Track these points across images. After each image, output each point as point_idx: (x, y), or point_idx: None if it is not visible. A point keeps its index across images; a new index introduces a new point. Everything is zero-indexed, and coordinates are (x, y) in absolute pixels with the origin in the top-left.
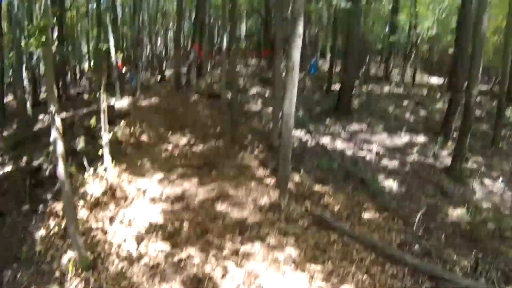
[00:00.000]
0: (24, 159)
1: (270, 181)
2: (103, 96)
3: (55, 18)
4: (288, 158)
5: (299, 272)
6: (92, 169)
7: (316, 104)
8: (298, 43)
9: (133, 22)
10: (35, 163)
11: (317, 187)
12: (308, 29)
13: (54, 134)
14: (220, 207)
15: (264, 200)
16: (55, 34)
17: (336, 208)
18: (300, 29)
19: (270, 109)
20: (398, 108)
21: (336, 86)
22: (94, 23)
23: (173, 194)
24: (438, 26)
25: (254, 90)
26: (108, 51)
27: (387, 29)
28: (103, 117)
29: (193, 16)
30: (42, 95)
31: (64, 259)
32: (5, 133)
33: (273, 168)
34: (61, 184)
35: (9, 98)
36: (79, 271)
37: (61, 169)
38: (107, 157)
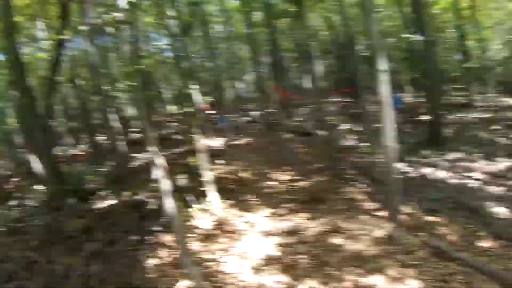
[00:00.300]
0: (127, 193)
1: (381, 214)
2: (202, 136)
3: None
4: (395, 190)
5: None
6: (198, 204)
7: (408, 136)
8: (384, 78)
9: (212, 67)
10: (139, 197)
11: (429, 218)
12: None
13: (158, 173)
14: (335, 240)
15: (379, 233)
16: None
17: (450, 238)
18: (383, 64)
19: (364, 143)
20: (490, 133)
21: (423, 117)
22: (173, 69)
23: (285, 228)
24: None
25: (344, 126)
26: (192, 95)
27: (458, 56)
28: (205, 155)
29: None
30: (133, 135)
31: (179, 287)
32: (102, 169)
33: (381, 201)
34: (171, 218)
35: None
36: None
37: (169, 205)
38: (213, 193)
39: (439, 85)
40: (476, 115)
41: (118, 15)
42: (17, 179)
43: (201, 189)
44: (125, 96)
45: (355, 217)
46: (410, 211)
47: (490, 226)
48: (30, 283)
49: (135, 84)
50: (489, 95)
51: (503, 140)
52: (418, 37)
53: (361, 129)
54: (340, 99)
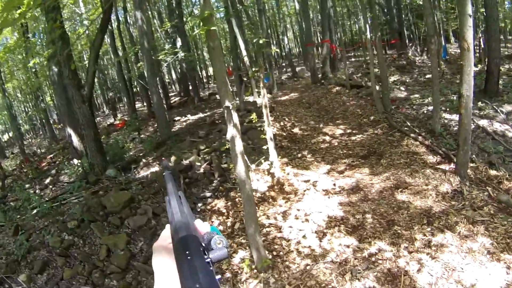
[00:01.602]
0: (172, 158)
1: (445, 167)
2: (264, 91)
3: (177, 28)
4: (468, 141)
5: (495, 263)
6: (253, 165)
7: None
8: (469, 23)
9: (260, 23)
10: (185, 161)
11: (493, 172)
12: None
13: (231, 131)
14: (401, 196)
15: (445, 187)
16: (179, 43)
17: None
18: (469, 7)
19: (416, 95)
20: None
21: (475, 68)
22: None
23: (347, 186)
24: None
25: (393, 78)
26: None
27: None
28: (266, 111)
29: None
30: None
31: (235, 259)
32: (142, 136)
33: (443, 153)
34: (241, 183)
35: (136, 105)
36: (255, 271)
37: (240, 168)
38: (273, 151)
39: (498, 33)
40: None
41: None
42: (52, 155)
43: (253, 147)
44: (169, 59)
45: (419, 171)
46: (473, 164)
47: None
48: (66, 271)
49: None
50: None
51: None
52: None
53: (411, 80)
54: (385, 51)
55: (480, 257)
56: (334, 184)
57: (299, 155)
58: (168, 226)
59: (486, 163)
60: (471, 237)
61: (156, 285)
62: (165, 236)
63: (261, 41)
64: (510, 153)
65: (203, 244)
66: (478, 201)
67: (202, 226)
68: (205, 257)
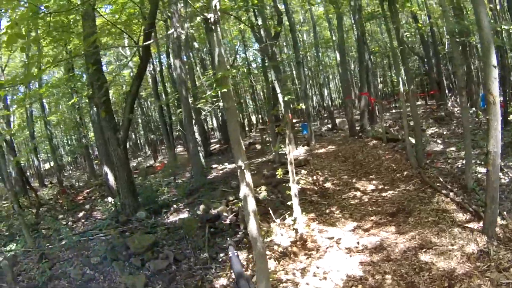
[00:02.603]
0: (202, 207)
1: (474, 225)
2: (289, 147)
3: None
4: (496, 200)
5: None
6: (278, 219)
7: None
8: (494, 74)
9: (299, 75)
10: (213, 211)
11: None
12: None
13: (244, 190)
14: (424, 257)
15: (471, 248)
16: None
17: None
18: (493, 58)
19: (452, 148)
20: None
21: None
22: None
23: (371, 244)
24: None
25: (431, 131)
26: (280, 104)
27: None
28: (291, 168)
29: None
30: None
31: None
32: (178, 181)
33: (473, 211)
34: (253, 240)
35: (178, 149)
36: None
37: (253, 226)
38: (297, 208)
39: None
40: None
41: (209, 15)
42: (89, 190)
43: (282, 201)
44: (208, 108)
45: (447, 231)
46: (504, 221)
47: None
48: None
49: (226, 88)
50: None
51: None
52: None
53: (448, 132)
54: (423, 102)
55: None
56: (358, 243)
57: (327, 211)
58: None
59: None
60: None
61: None
62: None
63: (286, 98)
64: None
65: None
66: (505, 262)
67: None
68: None
